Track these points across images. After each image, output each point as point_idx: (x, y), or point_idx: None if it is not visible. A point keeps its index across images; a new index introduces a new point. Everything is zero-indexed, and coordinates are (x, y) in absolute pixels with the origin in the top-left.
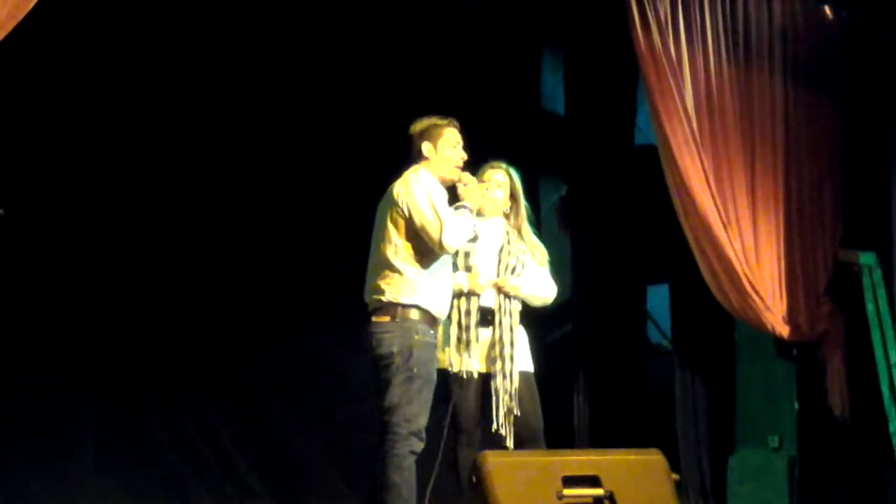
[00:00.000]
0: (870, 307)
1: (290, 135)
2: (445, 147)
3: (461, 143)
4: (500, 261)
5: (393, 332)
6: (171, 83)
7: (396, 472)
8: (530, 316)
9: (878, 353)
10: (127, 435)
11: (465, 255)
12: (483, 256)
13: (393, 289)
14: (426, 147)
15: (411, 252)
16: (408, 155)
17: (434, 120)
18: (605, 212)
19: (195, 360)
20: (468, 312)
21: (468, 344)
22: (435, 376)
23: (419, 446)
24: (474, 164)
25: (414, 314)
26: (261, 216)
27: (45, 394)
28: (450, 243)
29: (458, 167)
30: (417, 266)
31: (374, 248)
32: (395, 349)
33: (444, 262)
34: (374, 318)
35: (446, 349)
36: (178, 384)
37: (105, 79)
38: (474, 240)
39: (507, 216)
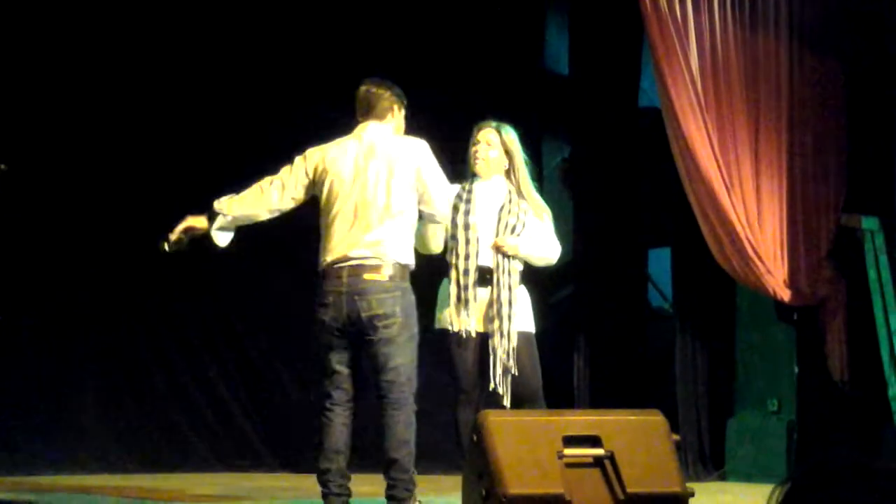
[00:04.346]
0: (871, 272)
1: (284, 87)
2: (401, 118)
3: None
4: (499, 219)
5: (394, 293)
6: (160, 35)
7: (408, 430)
8: (534, 276)
9: (879, 318)
10: (127, 390)
11: (464, 213)
12: (483, 216)
13: (394, 250)
14: (396, 109)
15: (412, 213)
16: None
17: (400, 91)
18: (608, 174)
19: (194, 314)
20: (466, 272)
21: (466, 303)
22: None
23: (415, 404)
24: (476, 124)
25: (406, 273)
26: (255, 168)
27: (45, 349)
28: (449, 215)
29: None
30: (412, 227)
31: (368, 203)
32: (398, 310)
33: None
34: (367, 276)
35: (445, 309)
36: (176, 339)
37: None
38: None
39: (508, 175)
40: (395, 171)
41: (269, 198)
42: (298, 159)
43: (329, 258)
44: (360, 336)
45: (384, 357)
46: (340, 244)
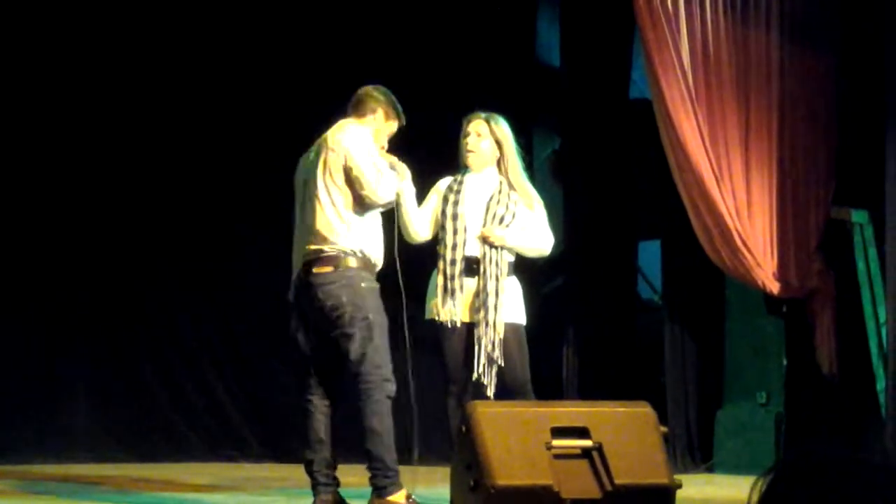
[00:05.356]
0: (860, 265)
1: (281, 85)
2: (385, 128)
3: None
4: (487, 209)
5: (338, 283)
6: (164, 32)
7: (377, 419)
8: (524, 267)
9: (868, 311)
10: (118, 381)
11: (453, 204)
12: (472, 206)
13: (335, 238)
14: (380, 113)
15: (351, 201)
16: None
17: (395, 101)
18: (599, 166)
19: (188, 311)
20: (453, 262)
21: (453, 293)
22: (387, 322)
23: (393, 390)
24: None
25: (355, 262)
26: (249, 169)
27: (38, 342)
28: (385, 198)
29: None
30: (356, 215)
31: (310, 197)
32: (344, 299)
33: (376, 210)
34: (315, 269)
35: (433, 299)
36: (168, 330)
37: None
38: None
39: (500, 166)
40: (324, 161)
41: None
42: None
43: (294, 255)
44: (320, 329)
45: (343, 350)
46: (299, 240)
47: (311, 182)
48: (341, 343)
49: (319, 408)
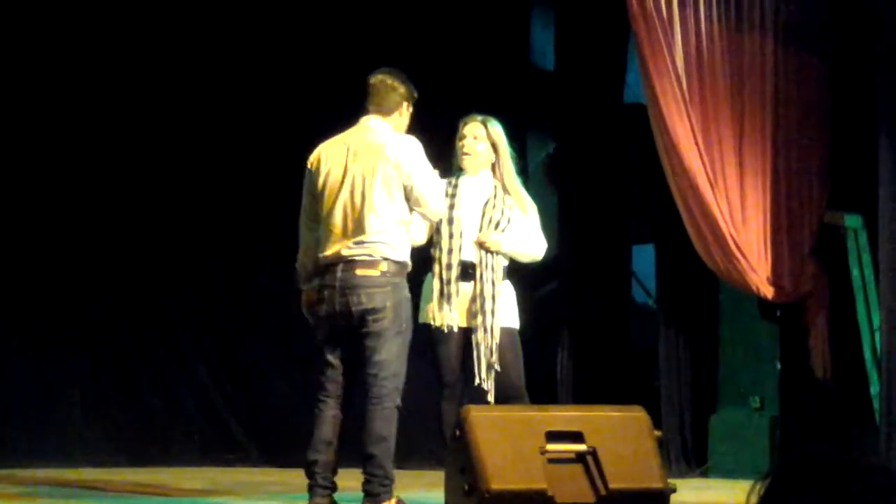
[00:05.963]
0: (854, 271)
1: (279, 85)
2: (407, 115)
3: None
4: (483, 214)
5: (385, 288)
6: (170, 31)
7: (386, 426)
8: (518, 271)
9: (862, 316)
10: (114, 386)
11: (448, 208)
12: (467, 210)
13: (385, 245)
14: (405, 107)
15: (401, 211)
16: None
17: (412, 87)
18: (593, 170)
19: (182, 312)
20: (449, 266)
21: (449, 298)
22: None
23: (400, 401)
24: (461, 119)
25: (401, 269)
26: (243, 173)
27: (35, 347)
28: (440, 216)
29: None
30: (404, 226)
31: (358, 201)
32: (388, 304)
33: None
34: (359, 271)
35: (428, 303)
36: (164, 336)
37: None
38: None
39: (494, 170)
40: (380, 170)
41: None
42: (305, 180)
43: (324, 254)
44: (352, 330)
45: (369, 350)
46: (335, 243)
47: (362, 186)
48: (368, 343)
49: (332, 409)
